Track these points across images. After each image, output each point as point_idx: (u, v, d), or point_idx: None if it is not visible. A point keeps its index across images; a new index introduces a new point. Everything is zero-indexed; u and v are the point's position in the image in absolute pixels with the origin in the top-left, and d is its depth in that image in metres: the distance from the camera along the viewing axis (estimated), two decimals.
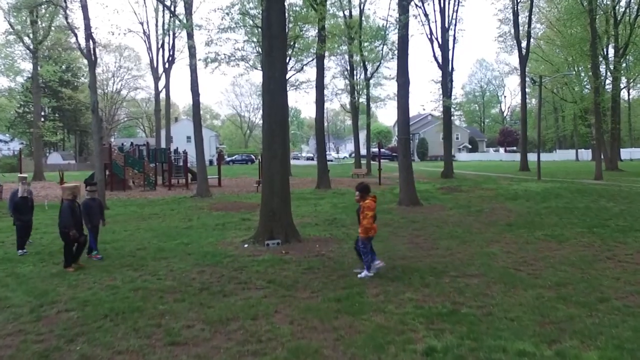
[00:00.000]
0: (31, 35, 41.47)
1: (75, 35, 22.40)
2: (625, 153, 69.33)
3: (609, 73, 45.61)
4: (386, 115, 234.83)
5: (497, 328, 6.19)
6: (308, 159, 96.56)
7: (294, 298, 7.74)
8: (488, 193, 24.71)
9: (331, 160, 69.32)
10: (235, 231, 14.47)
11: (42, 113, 71.34)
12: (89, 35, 19.63)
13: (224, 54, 21.47)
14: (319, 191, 27.56)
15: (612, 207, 18.08)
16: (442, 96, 38.93)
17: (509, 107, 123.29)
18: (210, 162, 71.25)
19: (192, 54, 24.01)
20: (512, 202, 20.39)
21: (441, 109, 40.89)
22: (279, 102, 12.35)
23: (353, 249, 11.06)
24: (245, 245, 11.98)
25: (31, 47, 41.63)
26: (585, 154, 77.54)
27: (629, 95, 79.48)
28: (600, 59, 41.54)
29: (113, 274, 9.64)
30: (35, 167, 44.19)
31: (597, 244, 11.43)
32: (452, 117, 43.40)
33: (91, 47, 19.75)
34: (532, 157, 49.22)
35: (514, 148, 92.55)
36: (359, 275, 8.96)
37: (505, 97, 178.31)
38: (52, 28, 42.53)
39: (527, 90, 52.16)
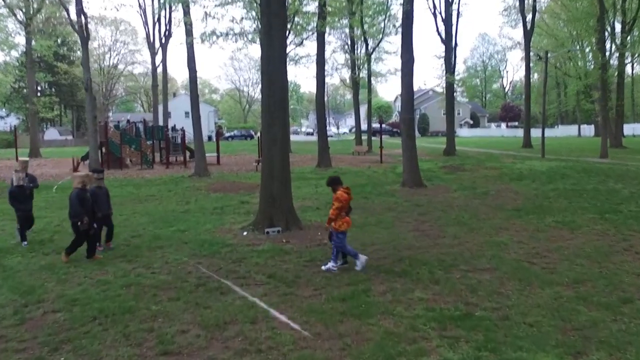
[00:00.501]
0: (24, 9, 40.38)
1: (67, 10, 21.59)
2: (628, 129, 68.60)
3: (614, 48, 44.65)
4: (387, 90, 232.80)
5: (515, 336, 5.73)
6: (308, 134, 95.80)
7: (296, 296, 7.27)
8: (492, 173, 24.20)
9: (331, 136, 68.54)
10: (233, 216, 13.98)
11: (38, 88, 70.44)
12: (80, 11, 18.88)
13: (220, 32, 20.56)
14: (319, 170, 27.02)
15: (622, 189, 17.58)
16: (445, 72, 38.08)
17: (510, 82, 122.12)
18: (209, 137, 70.62)
19: (189, 31, 23.20)
20: (518, 183, 19.89)
21: (444, 85, 40.06)
22: (278, 84, 11.73)
23: (355, 238, 10.61)
24: (244, 233, 11.51)
25: (24, 21, 40.57)
26: (588, 130, 76.82)
27: (632, 70, 78.36)
28: (606, 34, 40.55)
29: (105, 266, 9.17)
30: (31, 144, 43.61)
31: (611, 233, 10.95)
32: (455, 93, 42.58)
33: (83, 22, 18.98)
34: (534, 132, 48.63)
35: (516, 123, 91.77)
36: (323, 267, 8.61)
37: (507, 72, 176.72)
38: (45, 2, 41.39)
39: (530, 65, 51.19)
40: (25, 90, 64.38)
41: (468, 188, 18.59)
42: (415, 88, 20.13)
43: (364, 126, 53.76)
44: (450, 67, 37.57)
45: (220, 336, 5.98)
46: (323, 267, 8.60)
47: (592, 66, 45.10)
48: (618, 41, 42.75)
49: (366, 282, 7.85)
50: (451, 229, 11.60)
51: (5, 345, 5.87)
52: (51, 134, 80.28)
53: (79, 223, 9.42)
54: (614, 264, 8.56)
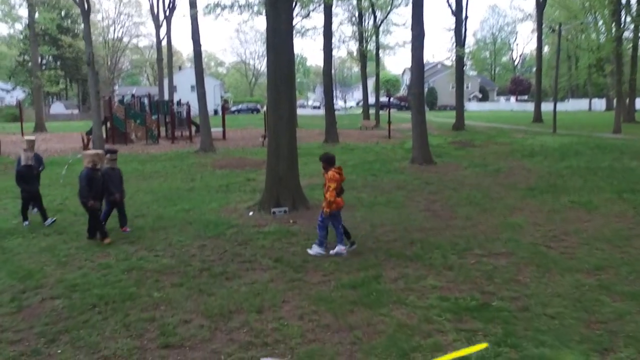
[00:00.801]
0: None
1: None
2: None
3: (629, 20, 43.38)
4: (395, 63, 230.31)
5: (536, 329, 5.41)
6: (314, 107, 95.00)
7: (304, 283, 6.97)
8: (503, 148, 23.72)
9: (338, 110, 67.82)
10: (239, 194, 13.66)
11: (43, 62, 69.82)
12: None
13: (225, 4, 19.96)
14: (326, 145, 26.58)
15: (638, 167, 17.09)
16: (455, 45, 37.22)
17: (520, 55, 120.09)
18: (215, 111, 70.07)
19: (192, 2, 22.58)
20: (530, 160, 19.43)
21: (453, 59, 39.21)
22: (284, 59, 11.27)
23: (365, 219, 10.29)
24: (250, 213, 11.20)
25: None
26: (599, 104, 75.63)
27: None
28: (621, 5, 39.30)
29: (107, 248, 8.90)
30: (36, 118, 43.33)
31: (630, 214, 10.56)
32: (464, 67, 41.73)
33: None
34: (544, 107, 47.81)
35: (525, 97, 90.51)
36: (309, 251, 8.30)
37: (517, 44, 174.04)
38: None
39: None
40: (30, 64, 63.89)
41: (479, 165, 18.16)
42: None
43: (371, 100, 53.10)
44: (460, 40, 36.69)
45: (224, 327, 5.70)
46: (332, 252, 8.28)
47: (605, 39, 43.93)
48: (633, 13, 41.49)
49: (377, 267, 7.54)
50: (463, 209, 11.24)
51: (0, 335, 5.61)
52: (57, 107, 79.95)
53: (88, 204, 9.11)
54: (636, 249, 8.19)
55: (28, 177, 10.71)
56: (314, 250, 8.29)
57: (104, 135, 30.79)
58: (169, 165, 20.20)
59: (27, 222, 10.66)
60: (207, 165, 19.95)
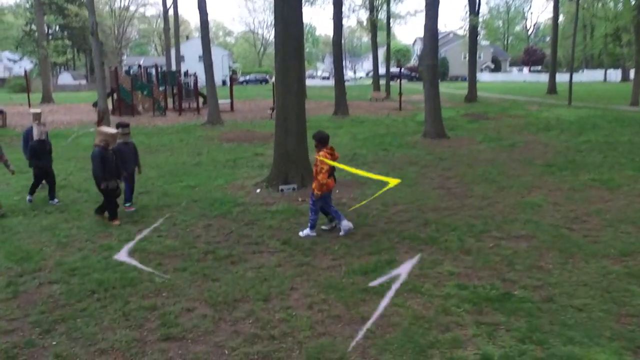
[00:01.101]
0: None
1: None
2: None
3: None
4: (405, 33, 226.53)
5: (563, 323, 5.03)
6: (324, 78, 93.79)
7: (313, 268, 6.63)
8: (517, 121, 23.10)
9: (347, 81, 66.86)
10: (246, 169, 13.29)
11: (49, 32, 69.10)
12: None
13: None
14: (336, 118, 26.09)
15: None
16: (468, 14, 36.16)
17: (534, 25, 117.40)
18: (224, 82, 69.37)
19: None
20: (546, 134, 18.84)
21: (466, 28, 38.15)
22: (293, 30, 10.73)
23: (375, 198, 9.90)
24: (258, 191, 10.83)
25: None
26: (614, 75, 73.97)
27: None
28: None
29: (109, 227, 8.59)
30: (43, 90, 42.94)
31: None
32: (478, 37, 40.64)
33: None
34: (558, 77, 46.70)
35: (539, 67, 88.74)
36: (300, 233, 7.96)
37: (531, 13, 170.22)
38: None
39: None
40: (36, 34, 63.23)
41: (493, 139, 17.62)
42: None
43: (381, 70, 52.13)
44: (474, 8, 35.64)
45: (229, 317, 5.37)
46: (341, 234, 7.93)
47: (624, 7, 42.48)
48: None
49: (390, 250, 7.17)
50: (479, 187, 10.80)
51: None
52: (64, 78, 79.48)
53: (102, 186, 8.66)
54: None
55: (41, 152, 10.22)
56: (305, 232, 7.96)
57: (111, 107, 30.46)
58: (176, 138, 19.82)
59: (30, 198, 10.31)
60: (214, 138, 19.55)
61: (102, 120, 8.62)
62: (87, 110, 33.68)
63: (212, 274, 6.51)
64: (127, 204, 9.56)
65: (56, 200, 10.23)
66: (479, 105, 32.88)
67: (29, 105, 37.71)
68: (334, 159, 7.91)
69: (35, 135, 10.21)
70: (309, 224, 7.99)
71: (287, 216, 8.96)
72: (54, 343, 4.94)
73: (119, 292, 6.00)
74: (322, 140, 7.93)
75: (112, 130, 8.94)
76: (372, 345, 4.75)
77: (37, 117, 10.51)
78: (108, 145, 8.76)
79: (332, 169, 8.05)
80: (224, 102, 30.87)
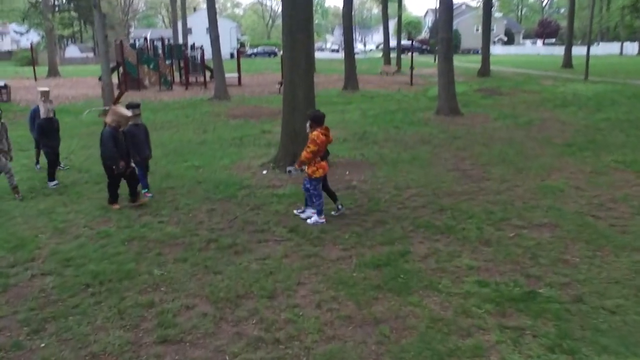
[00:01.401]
0: None
1: None
2: None
3: None
4: (416, 5, 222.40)
5: (596, 328, 4.59)
6: (333, 51, 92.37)
7: (321, 260, 6.21)
8: (532, 97, 22.38)
9: (357, 53, 65.66)
10: (253, 148, 12.83)
11: (56, 3, 68.16)
12: None
13: None
14: (346, 93, 25.45)
15: None
16: None
17: None
18: (232, 55, 68.41)
19: None
20: (563, 111, 18.16)
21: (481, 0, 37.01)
22: (301, 2, 10.12)
23: (388, 179, 9.44)
24: (264, 172, 10.39)
25: None
26: (630, 48, 72.11)
27: None
28: None
29: (109, 212, 8.21)
30: (49, 63, 42.40)
31: None
32: (492, 9, 39.51)
33: None
34: (573, 51, 45.45)
35: (553, 40, 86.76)
36: (308, 221, 7.53)
37: None
38: None
39: None
40: (41, 6, 62.36)
41: (509, 116, 16.99)
42: None
43: (392, 43, 51.04)
44: None
45: (231, 316, 4.98)
46: (301, 215, 7.70)
47: None
48: None
49: (403, 241, 6.73)
50: (496, 169, 10.29)
51: None
52: (72, 51, 78.73)
53: (114, 167, 8.16)
54: None
55: (50, 131, 9.77)
56: (313, 220, 7.54)
57: (116, 82, 29.96)
58: (181, 114, 19.34)
59: (54, 182, 9.74)
60: (220, 114, 19.06)
61: (119, 98, 7.97)
62: (93, 84, 33.16)
63: (214, 265, 6.12)
64: (144, 191, 8.93)
65: (55, 182, 9.78)
66: (493, 79, 32.02)
67: (35, 79, 37.32)
68: (327, 141, 7.44)
69: (43, 113, 9.77)
70: (316, 210, 7.56)
71: (295, 200, 8.52)
72: (42, 345, 4.58)
73: (114, 286, 5.63)
74: (316, 120, 7.45)
75: (127, 111, 8.37)
76: (386, 352, 4.35)
77: (44, 95, 9.97)
78: (119, 127, 8.23)
79: (326, 151, 7.69)
80: (231, 76, 30.25)
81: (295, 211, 7.95)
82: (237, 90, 27.61)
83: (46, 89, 10.17)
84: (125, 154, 8.35)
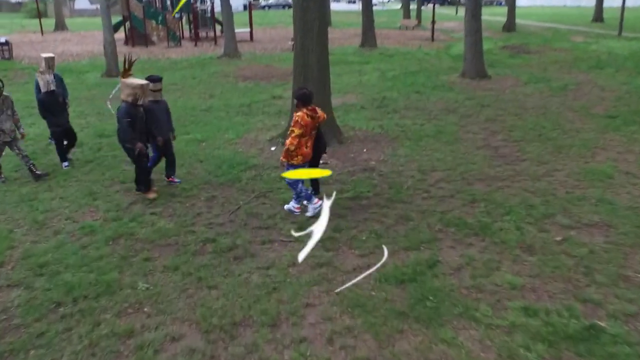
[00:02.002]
0: None
1: None
2: None
3: None
4: None
5: None
6: (350, 2, 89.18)
7: (335, 270, 5.27)
8: (563, 56, 20.81)
9: (375, 5, 63.13)
10: (262, 117, 11.78)
11: None
12: None
13: None
14: (363, 51, 24.01)
15: None
16: None
17: None
18: (244, 7, 66.17)
19: None
20: (599, 73, 16.70)
21: None
22: None
23: (411, 159, 8.41)
24: (273, 148, 9.38)
25: None
26: None
27: None
28: None
29: (98, 199, 7.32)
30: (55, 16, 41.03)
31: None
32: None
33: None
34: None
35: None
36: (285, 207, 6.74)
37: None
38: None
39: None
40: None
41: (540, 79, 15.62)
42: None
43: None
44: None
45: (224, 353, 4.10)
46: (285, 207, 6.84)
47: None
48: None
49: (431, 244, 5.75)
50: (532, 147, 9.16)
51: None
52: (81, 2, 76.82)
53: (135, 148, 7.10)
54: None
55: (52, 106, 8.45)
56: (291, 205, 6.75)
57: (124, 37, 28.73)
58: (188, 75, 18.21)
59: (66, 164, 8.72)
60: (229, 75, 17.90)
61: (129, 69, 6.81)
62: (100, 40, 31.86)
63: (209, 277, 5.21)
64: (171, 177, 7.90)
65: (66, 163, 8.72)
66: (519, 35, 30.17)
67: (42, 33, 36.12)
68: (314, 122, 6.39)
69: (42, 86, 8.41)
70: (294, 195, 6.68)
71: (306, 186, 7.52)
72: None
73: (90, 306, 4.76)
74: (303, 99, 6.38)
75: (140, 80, 7.20)
76: None
77: (48, 62, 8.64)
78: (137, 100, 7.06)
79: (318, 136, 6.70)
80: (242, 31, 28.85)
81: (285, 206, 6.96)
82: (249, 47, 26.27)
83: (51, 54, 8.93)
84: (144, 132, 7.25)
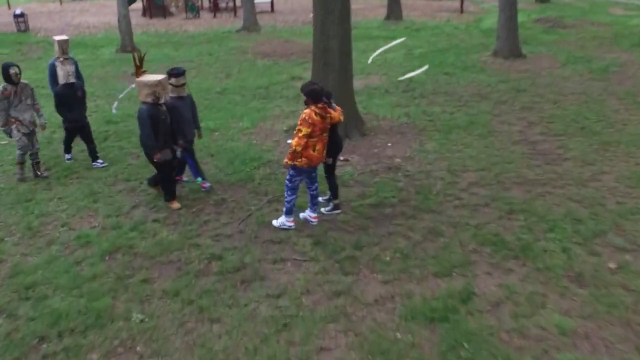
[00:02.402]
0: None
1: None
2: None
3: None
4: None
5: None
6: None
7: (354, 301, 4.63)
8: (603, 32, 19.47)
9: None
10: (279, 102, 11.05)
11: None
12: None
13: None
14: (388, 24, 22.88)
15: None
16: None
17: None
18: None
19: None
20: None
21: None
22: None
23: (440, 156, 7.64)
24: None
25: None
26: None
27: None
28: None
29: (98, 200, 6.76)
30: None
31: None
32: None
33: None
34: None
35: None
36: (274, 222, 6.00)
37: None
38: None
39: None
40: None
41: (579, 59, 14.49)
42: None
43: None
44: None
45: None
46: (301, 215, 6.13)
47: None
48: None
49: (464, 269, 5.05)
50: (574, 143, 8.30)
51: None
52: None
53: (155, 157, 6.31)
54: None
55: (70, 100, 7.65)
56: (279, 221, 6.00)
57: (142, 11, 27.99)
58: (205, 51, 17.44)
59: (69, 157, 8.08)
60: (247, 51, 17.08)
61: (141, 65, 6.08)
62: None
63: (212, 306, 4.62)
64: (198, 179, 7.02)
65: (100, 161, 7.97)
66: (553, 6, 28.57)
67: (60, 2, 35.51)
68: (324, 123, 5.66)
69: (61, 77, 7.63)
70: (285, 208, 5.95)
71: (325, 187, 6.82)
72: None
73: (76, 342, 4.21)
74: (311, 94, 5.65)
75: (156, 76, 6.32)
76: None
77: (62, 47, 7.79)
78: (158, 99, 6.19)
79: (332, 139, 5.96)
80: (263, 1, 27.83)
81: (320, 198, 6.34)
82: (269, 19, 25.28)
83: (64, 37, 8.07)
84: (171, 137, 6.44)
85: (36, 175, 7.45)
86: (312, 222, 6.04)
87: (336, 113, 5.84)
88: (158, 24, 24.21)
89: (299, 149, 5.60)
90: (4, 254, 5.56)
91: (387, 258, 5.28)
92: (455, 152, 8.04)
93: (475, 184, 6.95)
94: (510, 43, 14.51)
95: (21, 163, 7.32)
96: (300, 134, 5.57)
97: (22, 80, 7.13)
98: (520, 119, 9.60)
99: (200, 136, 7.18)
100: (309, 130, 5.54)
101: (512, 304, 4.53)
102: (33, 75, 14.45)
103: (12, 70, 6.95)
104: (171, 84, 6.50)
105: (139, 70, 6.99)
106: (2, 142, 8.86)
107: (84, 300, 4.72)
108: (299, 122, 5.64)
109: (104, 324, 4.42)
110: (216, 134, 9.17)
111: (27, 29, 22.95)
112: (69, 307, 4.62)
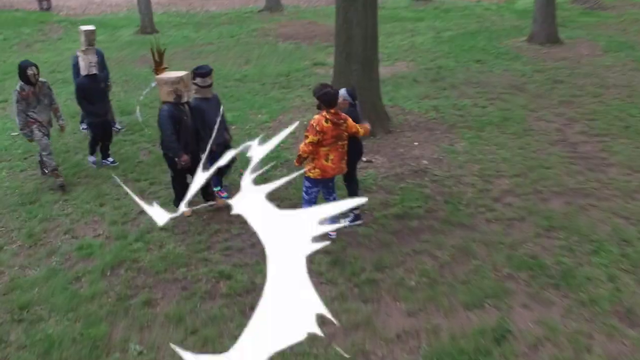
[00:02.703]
0: None
1: None
2: None
3: None
4: None
5: None
6: None
7: (374, 336, 4.17)
8: None
9: None
10: (300, 93, 10.51)
11: None
12: None
13: None
14: (416, 5, 21.94)
15: None
16: None
17: None
18: None
19: None
20: None
21: None
22: None
23: (470, 158, 7.06)
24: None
25: None
26: None
27: None
28: None
29: (105, 203, 6.38)
30: None
31: None
32: None
33: None
34: None
35: None
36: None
37: None
38: None
39: None
40: None
41: (621, 46, 13.57)
42: None
43: None
44: None
45: None
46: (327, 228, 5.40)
47: None
48: None
49: (499, 299, 4.53)
50: (619, 145, 7.61)
51: None
52: None
53: (178, 161, 5.80)
54: None
55: (92, 92, 7.21)
56: (350, 218, 5.59)
57: None
58: (226, 32, 16.90)
59: (93, 159, 7.53)
60: (269, 34, 16.49)
61: (162, 61, 5.66)
62: None
63: (216, 339, 4.20)
64: (217, 189, 6.43)
65: (111, 159, 7.57)
66: None
67: None
68: (338, 131, 5.13)
69: (83, 68, 7.15)
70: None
71: (343, 194, 6.31)
72: None
73: None
74: (324, 98, 5.10)
75: (177, 73, 5.81)
76: None
77: (88, 37, 7.46)
78: (181, 98, 5.69)
79: (353, 148, 5.49)
80: None
81: (342, 222, 5.85)
82: None
83: (91, 27, 7.69)
84: (193, 136, 5.92)
85: (42, 173, 7.10)
86: (330, 235, 5.57)
87: (358, 126, 5.33)
88: (180, 3, 23.68)
89: (304, 155, 5.17)
90: (2, 265, 5.24)
91: (412, 283, 4.79)
92: (487, 154, 7.44)
93: (509, 192, 6.37)
94: (547, 27, 13.63)
95: (54, 169, 6.76)
96: (306, 140, 5.09)
97: (40, 79, 6.66)
98: (559, 115, 8.91)
99: (230, 139, 6.43)
100: (316, 138, 5.03)
101: (552, 346, 4.02)
102: (52, 58, 14.22)
103: (30, 71, 6.43)
104: (196, 84, 5.93)
105: (158, 67, 6.51)
106: (14, 134, 8.55)
107: (79, 326, 4.36)
108: (307, 128, 5.16)
109: (98, 356, 4.05)
110: (233, 127, 8.69)
111: (49, 7, 22.65)
112: (63, 334, 4.25)
